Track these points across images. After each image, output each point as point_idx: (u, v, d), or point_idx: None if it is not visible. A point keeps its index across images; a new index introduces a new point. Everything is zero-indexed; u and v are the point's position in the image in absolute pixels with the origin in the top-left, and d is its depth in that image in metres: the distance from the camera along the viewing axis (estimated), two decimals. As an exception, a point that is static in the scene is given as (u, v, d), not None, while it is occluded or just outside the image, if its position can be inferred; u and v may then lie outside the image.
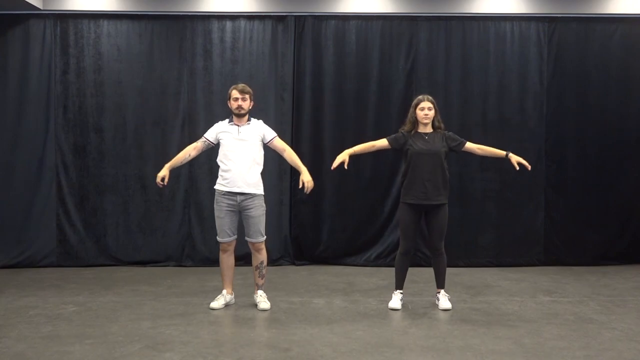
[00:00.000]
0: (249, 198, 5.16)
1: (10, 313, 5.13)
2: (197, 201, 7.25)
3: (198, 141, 5.37)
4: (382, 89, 7.31)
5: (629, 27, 7.34)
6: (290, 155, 5.34)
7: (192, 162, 7.17)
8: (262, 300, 5.31)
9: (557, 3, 7.28)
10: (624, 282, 6.46)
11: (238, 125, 5.21)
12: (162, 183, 5.25)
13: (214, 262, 7.05)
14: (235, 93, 5.20)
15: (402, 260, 5.33)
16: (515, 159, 5.28)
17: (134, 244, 7.25)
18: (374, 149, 5.41)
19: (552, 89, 7.35)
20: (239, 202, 5.16)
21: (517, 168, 5.30)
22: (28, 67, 7.14)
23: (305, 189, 5.18)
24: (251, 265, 5.42)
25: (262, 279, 5.37)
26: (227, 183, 5.16)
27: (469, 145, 5.34)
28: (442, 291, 5.37)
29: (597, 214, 7.37)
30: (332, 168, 5.29)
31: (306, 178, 5.16)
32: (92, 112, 7.19)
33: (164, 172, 5.25)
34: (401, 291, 5.38)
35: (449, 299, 5.35)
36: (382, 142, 5.35)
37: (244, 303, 5.44)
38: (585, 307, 5.40)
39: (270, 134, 5.31)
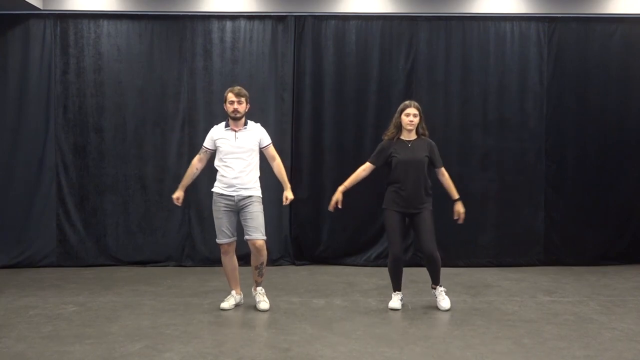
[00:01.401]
0: (248, 198, 5.17)
1: (10, 313, 5.13)
2: (197, 201, 7.24)
3: (200, 152, 5.37)
4: (382, 89, 7.31)
5: (629, 27, 7.34)
6: (279, 166, 5.36)
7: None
8: (262, 299, 5.30)
9: (557, 3, 7.28)
10: (624, 282, 6.46)
11: (235, 131, 5.17)
12: (178, 203, 5.38)
13: (214, 262, 7.07)
14: (231, 96, 5.14)
15: (393, 267, 5.25)
16: (458, 208, 5.28)
17: (134, 244, 7.24)
18: (364, 174, 5.40)
19: (552, 89, 7.34)
20: (237, 201, 5.16)
21: (455, 217, 5.30)
22: (28, 67, 7.14)
23: (285, 203, 5.33)
24: (250, 266, 5.40)
25: (261, 277, 5.34)
26: (225, 188, 5.16)
27: (442, 170, 5.32)
28: (439, 287, 5.31)
29: (597, 214, 7.37)
30: (330, 209, 5.43)
31: (290, 195, 5.29)
32: (92, 112, 7.19)
33: (179, 193, 5.36)
34: (400, 292, 5.36)
35: (446, 293, 5.31)
36: (367, 166, 5.37)
37: (243, 303, 5.44)
38: (585, 307, 5.40)
39: (266, 140, 5.30)
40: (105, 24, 7.19)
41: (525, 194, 7.35)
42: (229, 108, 5.14)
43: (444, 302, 5.26)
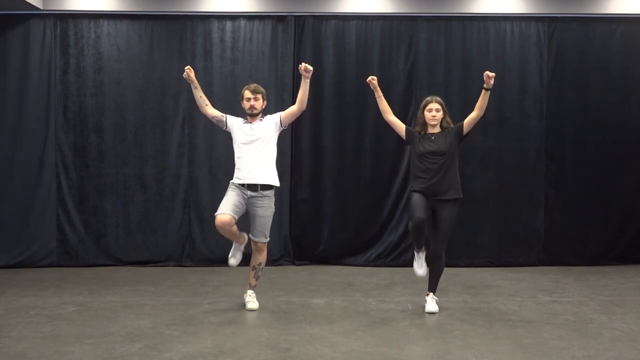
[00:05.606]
0: (259, 198, 5.12)
1: (10, 313, 5.13)
2: (197, 201, 7.25)
3: (219, 111, 5.30)
4: (382, 89, 7.26)
5: (629, 27, 7.34)
6: (298, 99, 5.23)
7: (192, 162, 7.24)
8: (251, 300, 5.30)
9: (557, 3, 7.29)
10: (624, 282, 6.46)
11: (251, 123, 5.22)
12: (189, 71, 5.17)
13: (214, 262, 7.09)
14: (247, 93, 5.20)
15: (414, 230, 5.03)
16: (486, 77, 5.20)
17: (134, 244, 7.24)
18: (390, 115, 5.33)
19: (552, 89, 7.34)
20: (249, 195, 5.11)
21: (491, 76, 5.20)
22: (28, 67, 7.14)
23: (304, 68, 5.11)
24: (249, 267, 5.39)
25: (256, 280, 5.36)
26: (242, 175, 5.11)
27: (468, 120, 5.25)
28: (431, 294, 5.26)
29: (597, 214, 7.37)
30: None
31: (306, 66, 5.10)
32: (92, 112, 7.19)
33: (193, 73, 5.20)
34: (423, 251, 5.21)
35: (437, 302, 5.24)
36: (400, 125, 5.32)
37: (243, 303, 5.43)
38: (585, 307, 5.40)
39: (277, 116, 5.31)
40: (105, 24, 7.19)
41: (525, 194, 7.35)
42: (246, 105, 5.20)
43: (432, 306, 5.19)
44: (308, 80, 5.17)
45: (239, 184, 5.13)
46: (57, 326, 4.74)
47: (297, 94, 7.13)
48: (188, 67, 5.22)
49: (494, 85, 7.22)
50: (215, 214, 5.07)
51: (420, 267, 5.26)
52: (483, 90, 5.25)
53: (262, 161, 5.13)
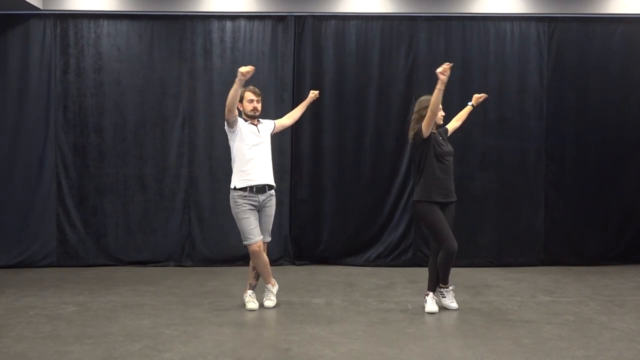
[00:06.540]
0: (269, 197, 5.23)
1: (10, 313, 5.14)
2: (197, 201, 7.25)
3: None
4: (382, 89, 7.31)
5: (629, 27, 7.34)
6: (293, 116, 5.78)
7: (192, 162, 7.24)
8: (251, 300, 5.30)
9: (557, 3, 7.29)
10: (624, 282, 6.46)
11: (255, 125, 5.26)
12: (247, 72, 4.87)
13: (214, 262, 7.10)
14: (250, 95, 5.20)
15: (448, 262, 5.06)
16: (476, 98, 5.65)
17: (134, 244, 7.24)
18: (438, 105, 5.01)
19: (552, 89, 7.34)
20: (261, 201, 5.17)
21: (484, 97, 5.71)
22: (28, 67, 7.15)
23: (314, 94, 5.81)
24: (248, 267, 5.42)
25: (256, 280, 5.38)
26: (253, 177, 5.11)
27: (451, 129, 5.51)
28: (432, 294, 5.25)
29: (597, 214, 7.37)
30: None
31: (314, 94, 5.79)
32: (92, 112, 7.20)
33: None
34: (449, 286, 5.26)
35: (437, 302, 5.26)
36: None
37: (243, 303, 5.43)
38: (585, 307, 5.40)
39: (272, 123, 5.51)
40: (105, 24, 7.19)
41: (525, 194, 7.35)
42: (248, 107, 5.21)
43: (432, 306, 5.18)
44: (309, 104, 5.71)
45: (248, 188, 5.09)
46: (57, 326, 4.75)
47: (296, 94, 7.23)
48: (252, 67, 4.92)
49: (493, 84, 7.30)
50: (247, 243, 5.12)
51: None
52: (470, 107, 5.63)
53: (269, 162, 5.27)
